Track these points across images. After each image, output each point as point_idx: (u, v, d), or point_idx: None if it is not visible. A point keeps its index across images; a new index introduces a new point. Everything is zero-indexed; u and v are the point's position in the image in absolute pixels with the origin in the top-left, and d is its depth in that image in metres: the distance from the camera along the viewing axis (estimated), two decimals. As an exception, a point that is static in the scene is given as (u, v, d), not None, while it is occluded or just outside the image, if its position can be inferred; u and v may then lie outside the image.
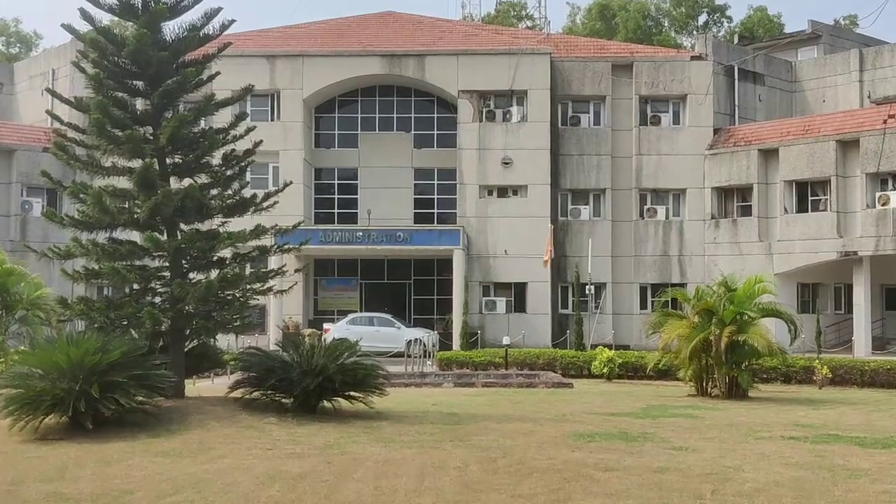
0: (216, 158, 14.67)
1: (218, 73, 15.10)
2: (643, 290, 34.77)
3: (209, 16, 14.26)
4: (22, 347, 15.22)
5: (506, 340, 27.50)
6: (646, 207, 35.06)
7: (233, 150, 14.72)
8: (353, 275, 36.29)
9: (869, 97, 37.36)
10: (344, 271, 36.33)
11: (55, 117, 14.88)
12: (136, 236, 14.39)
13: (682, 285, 30.92)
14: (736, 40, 50.48)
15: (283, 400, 13.09)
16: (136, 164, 13.68)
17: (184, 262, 14.09)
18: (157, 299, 14.09)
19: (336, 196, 36.76)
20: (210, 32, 14.35)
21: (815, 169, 31.81)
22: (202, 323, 13.74)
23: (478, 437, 11.42)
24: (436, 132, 36.46)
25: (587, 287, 32.10)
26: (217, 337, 15.29)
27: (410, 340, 26.82)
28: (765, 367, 21.92)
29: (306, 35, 38.25)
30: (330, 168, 36.82)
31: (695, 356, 18.50)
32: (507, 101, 34.85)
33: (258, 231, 14.36)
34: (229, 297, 14.25)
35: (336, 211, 36.51)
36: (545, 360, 25.57)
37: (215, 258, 14.39)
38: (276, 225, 15.10)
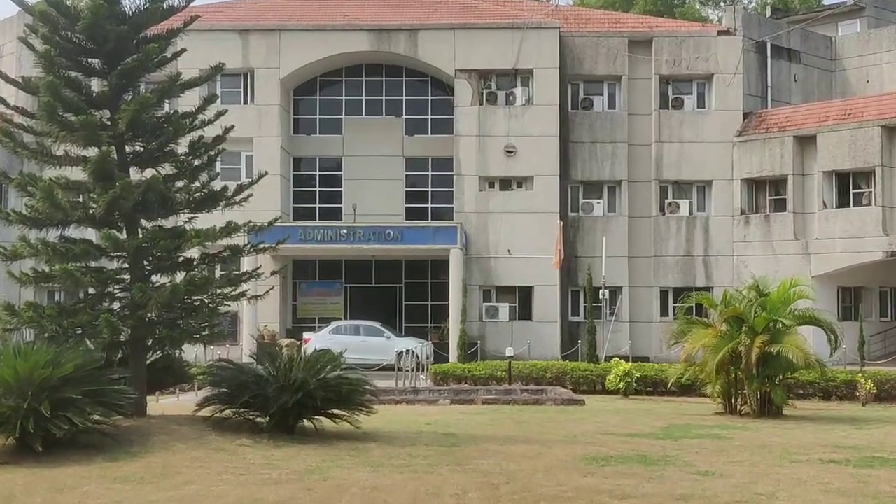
0: (182, 146, 14.69)
1: (184, 50, 15.10)
2: (664, 294, 34.83)
3: (174, -15, 14.28)
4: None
5: (509, 352, 27.52)
6: (667, 201, 35.11)
7: (201, 136, 14.73)
8: (336, 278, 36.29)
9: (918, 77, 37.49)
10: (326, 273, 36.33)
11: (0, 100, 14.85)
12: (91, 234, 14.40)
13: (708, 289, 31.01)
14: (768, 13, 50.55)
15: (258, 419, 13.11)
16: (92, 152, 13.68)
17: (146, 263, 14.10)
18: (116, 305, 14.09)
19: (317, 189, 36.78)
20: (175, 4, 14.36)
21: (858, 158, 31.88)
22: (166, 332, 13.75)
23: (477, 460, 11.43)
24: (430, 117, 36.49)
25: (601, 291, 32.12)
26: (183, 348, 15.31)
27: (402, 352, 26.87)
28: (801, 381, 22.02)
29: (284, 7, 38.23)
30: (311, 157, 36.84)
31: (722, 369, 18.55)
32: (510, 82, 34.89)
33: (230, 228, 14.34)
34: (197, 303, 14.26)
35: (317, 205, 36.54)
36: (553, 374, 25.65)
37: (181, 259, 14.40)
38: (250, 221, 15.10)
